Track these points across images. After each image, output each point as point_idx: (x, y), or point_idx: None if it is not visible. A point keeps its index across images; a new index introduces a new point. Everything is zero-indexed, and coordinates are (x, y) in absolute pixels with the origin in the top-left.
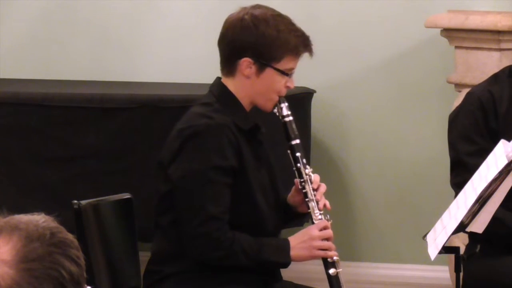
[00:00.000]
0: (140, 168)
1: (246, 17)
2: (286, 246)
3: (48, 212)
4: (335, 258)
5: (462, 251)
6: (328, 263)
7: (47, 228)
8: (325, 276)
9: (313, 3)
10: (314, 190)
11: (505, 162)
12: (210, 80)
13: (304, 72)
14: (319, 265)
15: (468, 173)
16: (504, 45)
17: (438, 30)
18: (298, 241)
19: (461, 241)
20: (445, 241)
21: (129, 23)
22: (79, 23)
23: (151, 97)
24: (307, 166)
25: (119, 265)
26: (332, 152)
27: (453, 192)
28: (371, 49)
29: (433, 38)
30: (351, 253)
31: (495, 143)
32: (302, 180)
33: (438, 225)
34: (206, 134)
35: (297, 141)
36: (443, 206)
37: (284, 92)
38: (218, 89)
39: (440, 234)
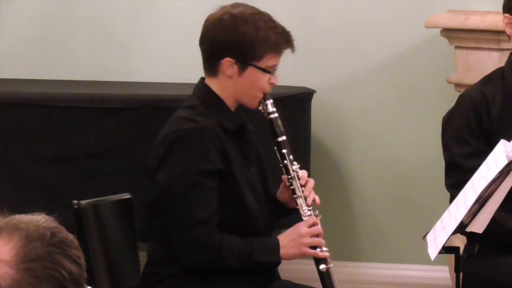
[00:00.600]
0: (140, 168)
1: (225, 17)
2: (275, 245)
3: (48, 212)
4: (326, 253)
5: (462, 251)
6: (318, 260)
7: (47, 228)
8: None
9: (313, 3)
10: (302, 186)
11: (505, 162)
12: None
13: (304, 72)
14: None
15: (463, 175)
16: (504, 45)
17: (438, 30)
18: (288, 239)
19: (461, 241)
20: (445, 241)
21: (129, 23)
22: (79, 23)
23: (151, 97)
24: (294, 163)
25: (119, 265)
26: (332, 152)
27: None
28: (371, 49)
29: (433, 38)
30: (351, 253)
31: (488, 144)
32: (289, 176)
33: (438, 225)
34: (190, 138)
35: (284, 137)
36: (443, 206)
37: (268, 89)
38: (202, 91)
39: (440, 234)
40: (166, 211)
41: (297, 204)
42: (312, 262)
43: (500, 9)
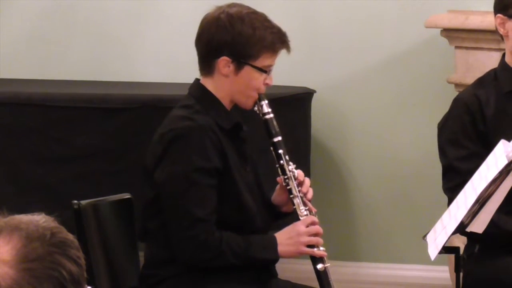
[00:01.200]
0: (140, 168)
1: (222, 16)
2: (273, 242)
3: (48, 212)
4: (323, 253)
5: (462, 251)
6: (315, 259)
7: (47, 228)
8: None
9: (313, 3)
10: (298, 186)
11: (505, 162)
12: None
13: (304, 72)
14: None
15: (460, 178)
16: (504, 45)
17: (438, 30)
18: (285, 237)
19: (461, 241)
20: (445, 241)
21: (128, 23)
22: (79, 23)
23: (151, 97)
24: (290, 163)
25: (119, 265)
26: (332, 152)
27: None
28: (371, 49)
29: (433, 38)
30: (351, 253)
31: (484, 146)
32: (286, 177)
33: (438, 225)
34: (188, 136)
35: (279, 138)
36: (443, 206)
37: (263, 89)
38: (198, 90)
39: (440, 234)
40: (164, 210)
41: (293, 204)
42: (311, 262)
43: None
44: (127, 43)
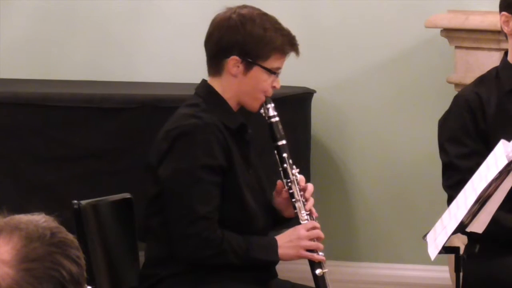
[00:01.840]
0: (140, 168)
1: (233, 16)
2: (273, 244)
3: (48, 212)
4: (322, 258)
5: (462, 251)
6: (314, 263)
7: (47, 228)
8: None
9: (313, 3)
10: (301, 190)
11: (505, 162)
12: None
13: (304, 72)
14: None
15: (460, 175)
16: (504, 45)
17: (438, 30)
18: (286, 240)
19: (461, 241)
20: (445, 241)
21: (128, 23)
22: (78, 23)
23: (151, 97)
24: (294, 167)
25: (119, 265)
26: (332, 152)
27: None
28: (371, 49)
29: (433, 38)
30: (351, 253)
31: (485, 144)
32: (288, 180)
33: (438, 225)
34: (194, 133)
35: (284, 141)
36: (443, 206)
37: (270, 92)
38: (205, 90)
39: (440, 234)
40: (167, 206)
41: (295, 208)
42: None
43: None
44: (127, 43)
